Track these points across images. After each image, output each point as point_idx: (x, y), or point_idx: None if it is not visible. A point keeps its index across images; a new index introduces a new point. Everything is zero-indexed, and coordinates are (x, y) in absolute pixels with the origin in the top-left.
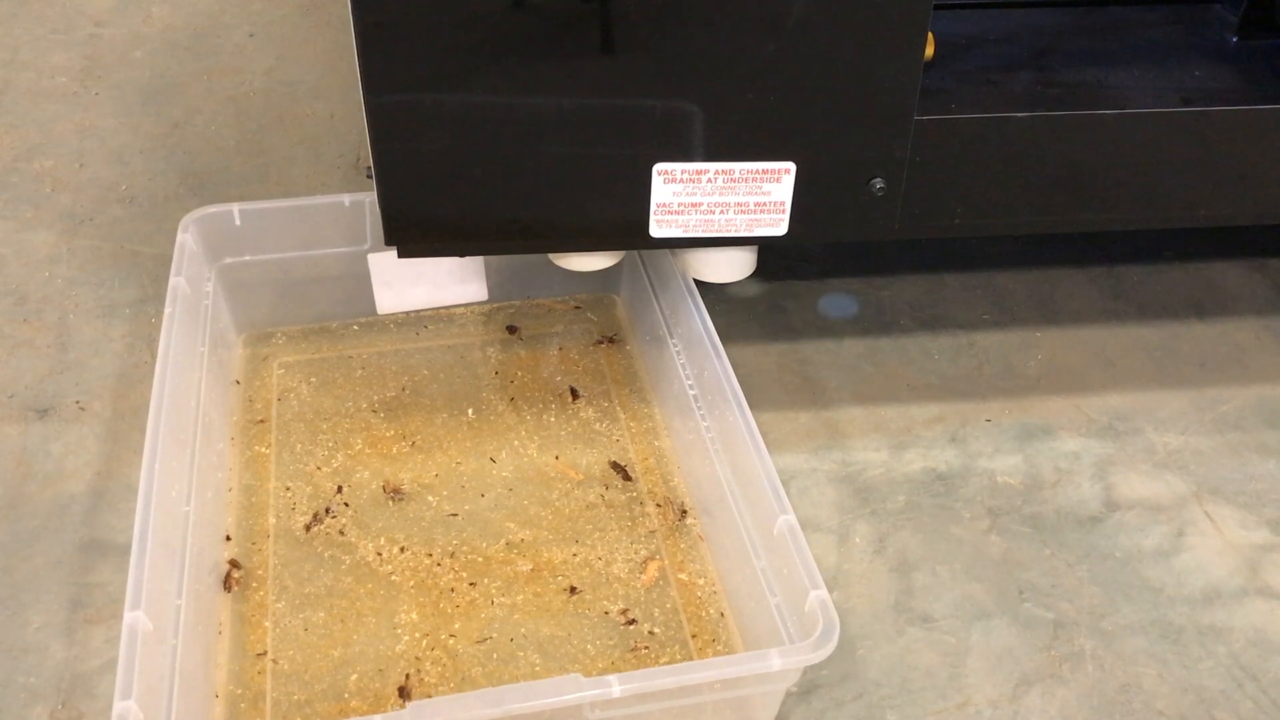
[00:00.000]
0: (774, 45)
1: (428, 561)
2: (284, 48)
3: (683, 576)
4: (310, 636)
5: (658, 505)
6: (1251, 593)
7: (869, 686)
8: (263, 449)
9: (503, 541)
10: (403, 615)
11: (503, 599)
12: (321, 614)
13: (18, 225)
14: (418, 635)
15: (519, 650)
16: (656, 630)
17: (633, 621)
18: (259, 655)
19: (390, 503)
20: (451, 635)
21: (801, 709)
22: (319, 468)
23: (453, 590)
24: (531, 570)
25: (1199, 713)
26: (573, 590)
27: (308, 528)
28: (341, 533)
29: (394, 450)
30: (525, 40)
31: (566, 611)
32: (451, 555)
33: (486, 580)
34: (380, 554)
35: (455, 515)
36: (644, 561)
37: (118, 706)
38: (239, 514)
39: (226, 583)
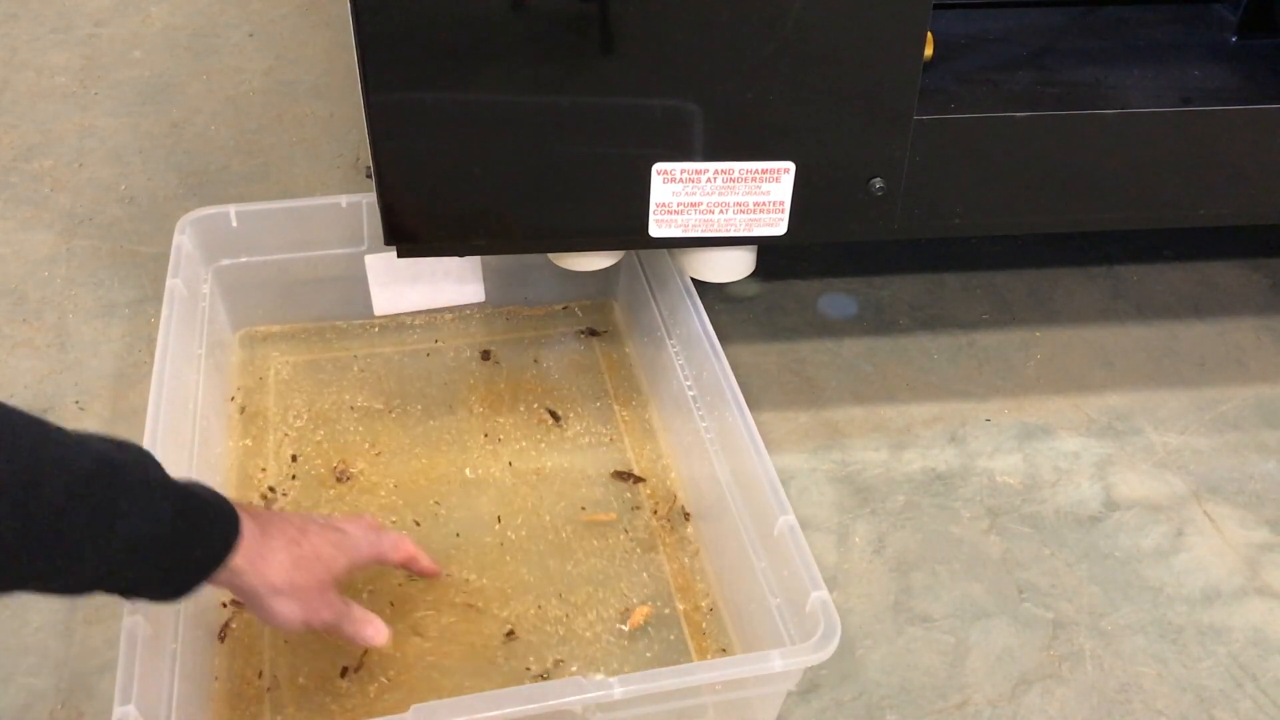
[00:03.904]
0: (773, 45)
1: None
2: (283, 48)
3: (683, 606)
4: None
5: (654, 512)
6: (1251, 592)
7: (869, 686)
8: (251, 440)
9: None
10: None
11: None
12: None
13: (17, 225)
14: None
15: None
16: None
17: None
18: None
19: (337, 485)
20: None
21: (801, 709)
22: (307, 460)
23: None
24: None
25: (1198, 712)
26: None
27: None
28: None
29: (383, 451)
30: (525, 40)
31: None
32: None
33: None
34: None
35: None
36: (628, 611)
37: (117, 711)
38: None
39: None
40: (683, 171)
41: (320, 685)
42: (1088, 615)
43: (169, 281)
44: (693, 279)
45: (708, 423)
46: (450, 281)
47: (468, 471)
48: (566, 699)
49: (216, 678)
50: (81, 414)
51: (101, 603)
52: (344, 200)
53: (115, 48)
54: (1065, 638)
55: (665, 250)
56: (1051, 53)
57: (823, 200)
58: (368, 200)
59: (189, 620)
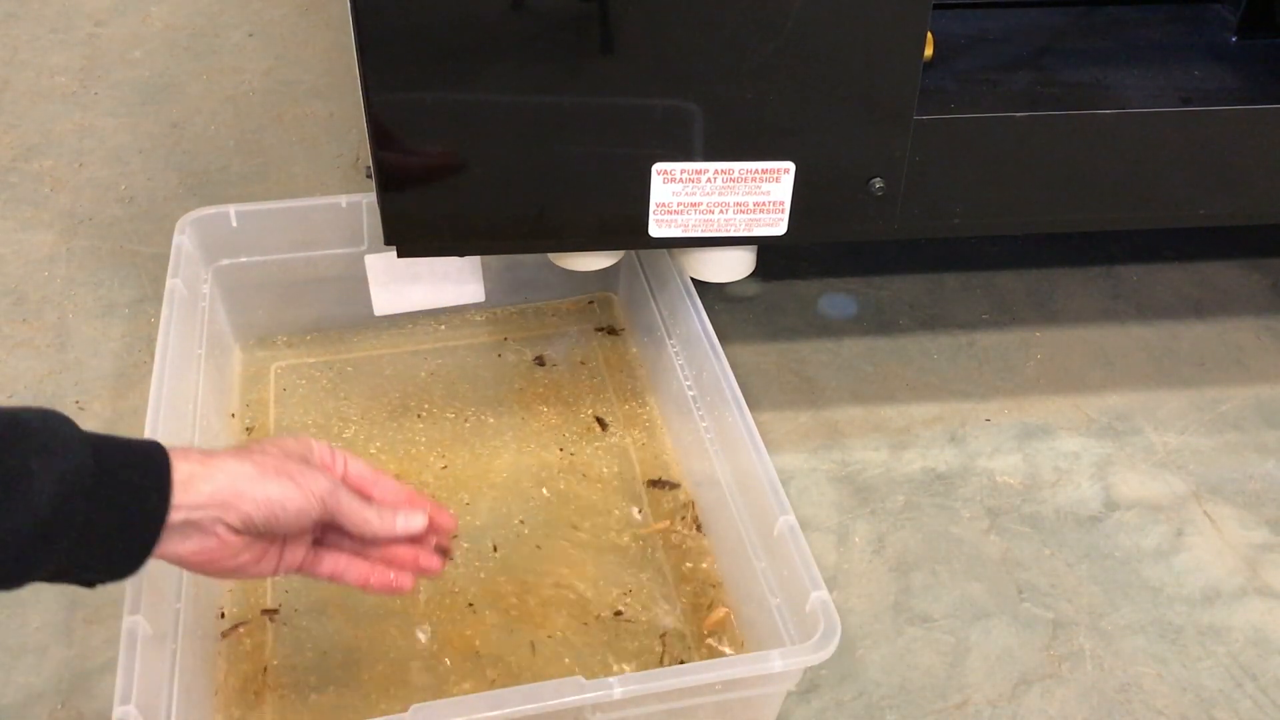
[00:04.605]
0: (773, 45)
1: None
2: (283, 48)
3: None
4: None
5: (692, 521)
6: (1251, 592)
7: (869, 686)
8: None
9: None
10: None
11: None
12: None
13: (17, 225)
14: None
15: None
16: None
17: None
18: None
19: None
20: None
21: (801, 709)
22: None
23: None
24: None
25: (1198, 712)
26: (617, 614)
27: None
28: None
29: (392, 455)
30: (525, 40)
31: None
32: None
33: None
34: None
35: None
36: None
37: (117, 711)
38: None
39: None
40: (683, 171)
41: (324, 685)
42: (1088, 615)
43: (169, 281)
44: (693, 279)
45: (708, 423)
46: (450, 281)
47: (544, 491)
48: (566, 699)
49: (219, 689)
50: (81, 414)
51: (101, 603)
52: (344, 200)
53: (115, 48)
54: (1065, 638)
55: (665, 250)
56: (1051, 53)
57: (823, 200)
58: (368, 200)
59: (189, 620)
